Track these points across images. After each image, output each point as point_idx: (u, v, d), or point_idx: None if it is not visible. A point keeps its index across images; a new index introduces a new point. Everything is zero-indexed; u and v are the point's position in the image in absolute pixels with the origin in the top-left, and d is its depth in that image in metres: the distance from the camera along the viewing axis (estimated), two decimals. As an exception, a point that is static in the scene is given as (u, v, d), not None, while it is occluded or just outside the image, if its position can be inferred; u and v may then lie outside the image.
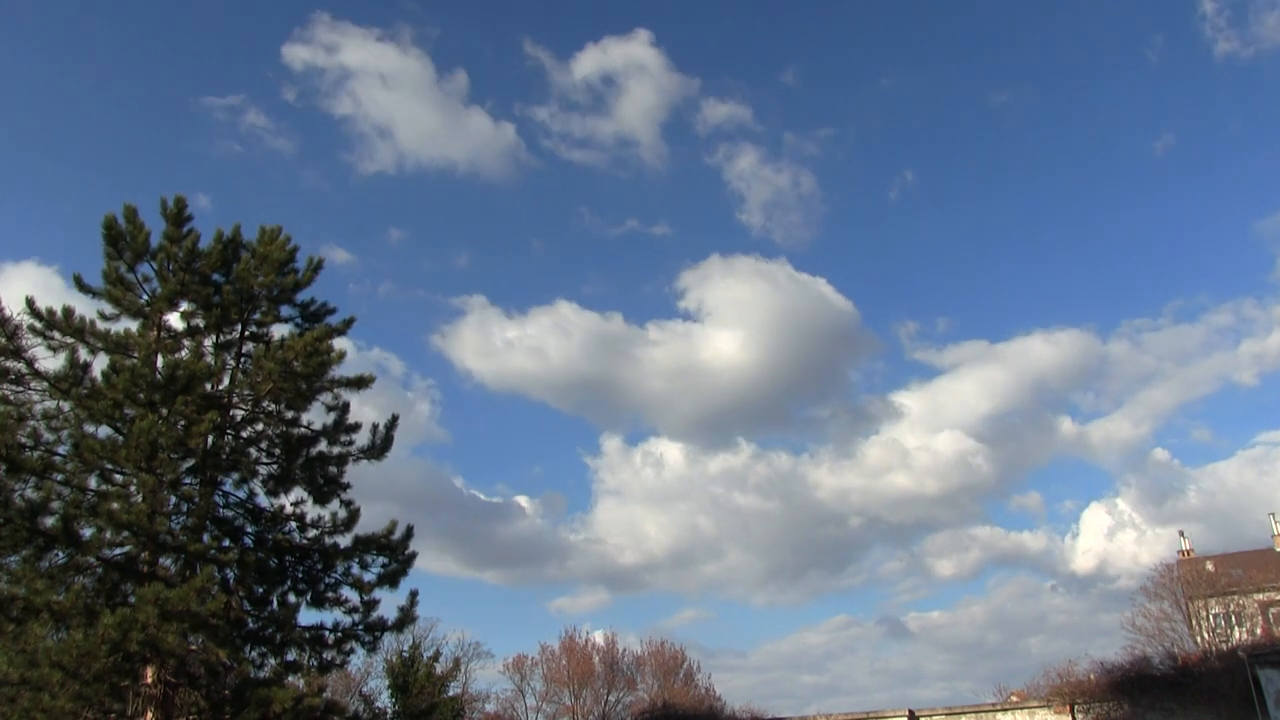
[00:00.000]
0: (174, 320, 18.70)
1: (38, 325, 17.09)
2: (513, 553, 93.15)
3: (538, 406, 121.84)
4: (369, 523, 19.13)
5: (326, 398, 18.91)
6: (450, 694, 38.05)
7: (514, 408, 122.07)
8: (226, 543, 17.97)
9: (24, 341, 16.59)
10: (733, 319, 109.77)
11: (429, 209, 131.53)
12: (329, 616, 18.72)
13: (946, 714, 32.42)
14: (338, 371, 18.60)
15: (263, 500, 18.87)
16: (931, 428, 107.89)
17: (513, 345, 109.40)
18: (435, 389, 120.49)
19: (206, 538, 17.40)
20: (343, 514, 19.00)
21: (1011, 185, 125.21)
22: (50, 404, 16.87)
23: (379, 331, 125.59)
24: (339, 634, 18.60)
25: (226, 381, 18.10)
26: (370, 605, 18.71)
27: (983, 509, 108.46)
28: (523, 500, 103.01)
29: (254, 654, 17.60)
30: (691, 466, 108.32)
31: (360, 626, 18.71)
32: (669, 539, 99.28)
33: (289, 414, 18.67)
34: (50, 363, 16.88)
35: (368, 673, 40.24)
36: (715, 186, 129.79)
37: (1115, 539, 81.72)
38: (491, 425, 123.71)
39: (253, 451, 18.62)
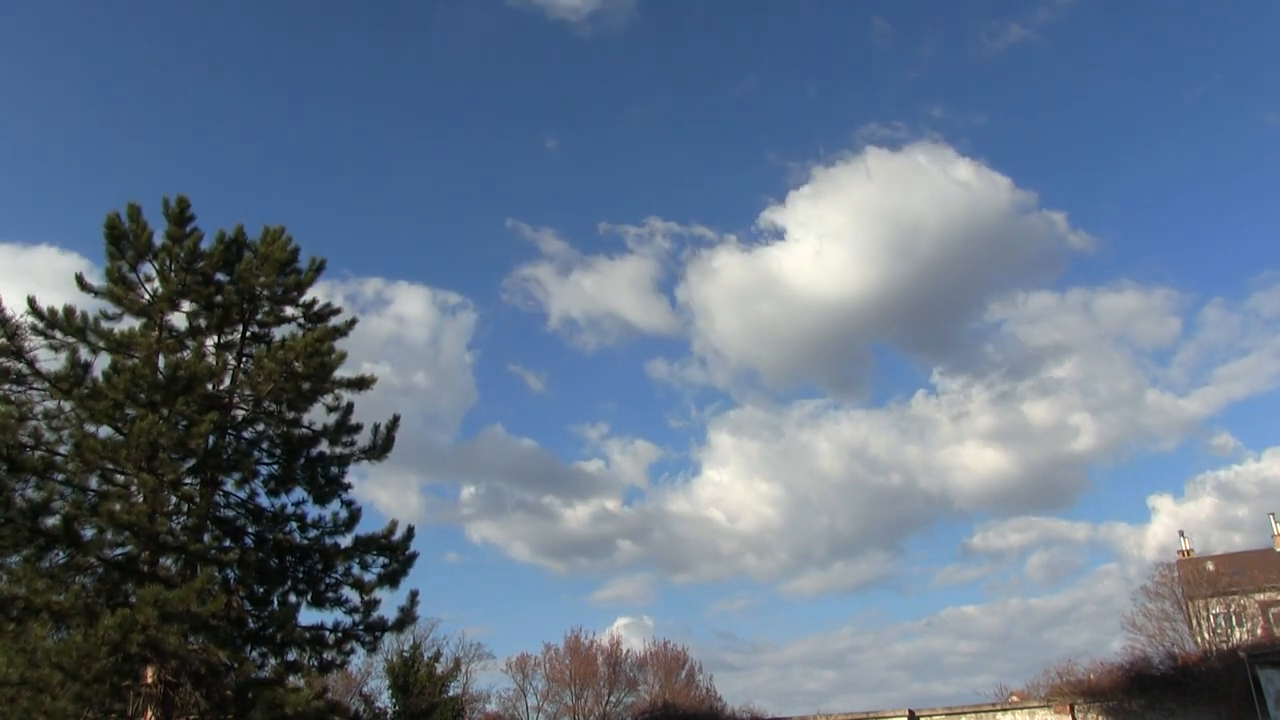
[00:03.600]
0: (176, 320, 18.75)
1: (39, 325, 17.09)
2: (550, 536, 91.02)
3: (592, 360, 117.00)
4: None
5: (328, 398, 18.97)
6: (451, 694, 38.06)
7: (579, 355, 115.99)
8: (227, 543, 17.97)
9: (25, 341, 16.59)
10: (836, 233, 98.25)
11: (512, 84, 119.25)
12: (329, 616, 18.76)
13: (946, 714, 32.40)
14: (339, 372, 18.71)
15: (263, 500, 18.92)
16: (1020, 397, 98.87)
17: (576, 280, 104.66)
18: (484, 323, 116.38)
19: (207, 538, 17.40)
20: (343, 514, 19.04)
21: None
22: (51, 404, 16.87)
23: (443, 265, 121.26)
24: (339, 634, 18.60)
25: (228, 382, 18.14)
26: (370, 605, 18.73)
27: (1047, 493, 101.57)
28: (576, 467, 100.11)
29: (254, 654, 17.60)
30: (753, 436, 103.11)
31: (360, 626, 18.71)
32: (727, 524, 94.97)
33: (290, 414, 18.73)
34: (52, 363, 16.90)
35: (368, 673, 40.34)
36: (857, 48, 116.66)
37: (1177, 527, 78.21)
38: (552, 371, 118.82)
39: (254, 452, 18.66)
